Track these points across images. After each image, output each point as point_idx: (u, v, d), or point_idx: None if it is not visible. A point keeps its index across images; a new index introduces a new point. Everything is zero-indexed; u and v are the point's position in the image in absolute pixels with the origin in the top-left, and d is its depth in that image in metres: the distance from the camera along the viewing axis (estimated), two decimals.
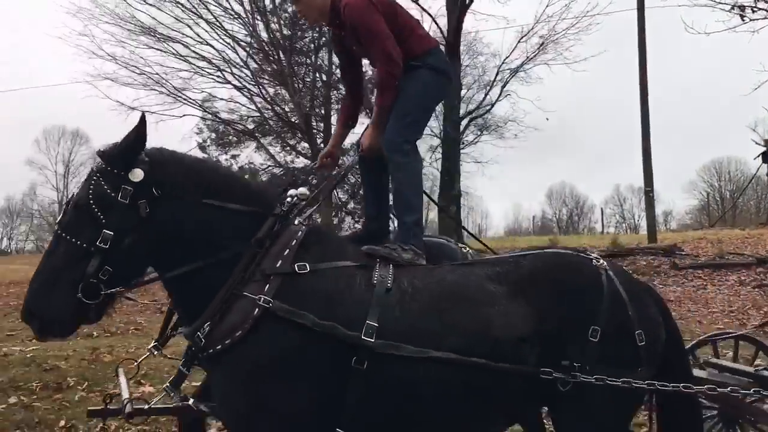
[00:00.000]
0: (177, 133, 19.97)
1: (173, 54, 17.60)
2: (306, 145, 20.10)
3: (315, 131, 19.85)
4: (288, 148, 21.14)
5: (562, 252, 2.61)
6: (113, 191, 2.23)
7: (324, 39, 19.12)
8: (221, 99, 19.61)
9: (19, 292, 16.59)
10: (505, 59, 18.69)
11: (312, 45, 19.65)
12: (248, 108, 19.78)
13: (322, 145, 20.18)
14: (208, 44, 17.61)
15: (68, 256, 2.21)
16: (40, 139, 66.80)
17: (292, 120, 19.32)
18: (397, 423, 2.29)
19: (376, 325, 2.17)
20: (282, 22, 18.68)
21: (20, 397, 5.23)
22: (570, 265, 2.47)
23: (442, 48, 4.16)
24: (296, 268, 2.27)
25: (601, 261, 2.46)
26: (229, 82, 18.54)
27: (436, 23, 16.86)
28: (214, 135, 21.43)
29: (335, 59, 20.78)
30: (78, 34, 16.40)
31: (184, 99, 18.30)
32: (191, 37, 17.37)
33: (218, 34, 17.70)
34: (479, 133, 21.73)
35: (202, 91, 18.76)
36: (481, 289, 2.34)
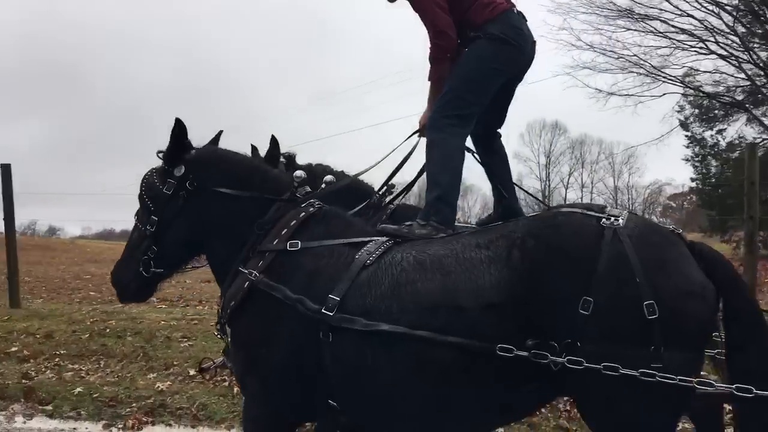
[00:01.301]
0: (657, 113, 19.51)
1: (651, 32, 17.34)
2: None
3: None
4: None
5: (566, 211, 2.16)
6: (161, 184, 2.66)
7: None
8: (704, 72, 18.39)
9: None
10: None
11: None
12: (736, 78, 18.20)
13: None
14: (688, 15, 16.75)
15: (136, 238, 2.73)
16: (524, 133, 73.53)
17: None
18: (372, 399, 2.24)
19: (338, 299, 2.21)
20: None
21: None
22: (566, 224, 2.08)
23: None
24: (288, 246, 2.42)
25: (618, 220, 2.01)
26: (713, 53, 17.35)
27: None
28: (697, 111, 20.20)
29: None
30: (558, 29, 17.51)
31: (664, 77, 17.83)
32: (670, 12, 16.81)
33: (700, 3, 16.64)
34: None
35: (683, 66, 18.07)
36: (460, 257, 2.17)
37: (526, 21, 3.19)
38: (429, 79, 3.14)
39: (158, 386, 5.35)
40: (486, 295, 2.03)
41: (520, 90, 3.32)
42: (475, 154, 3.33)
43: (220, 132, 2.95)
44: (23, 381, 5.67)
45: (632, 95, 18.02)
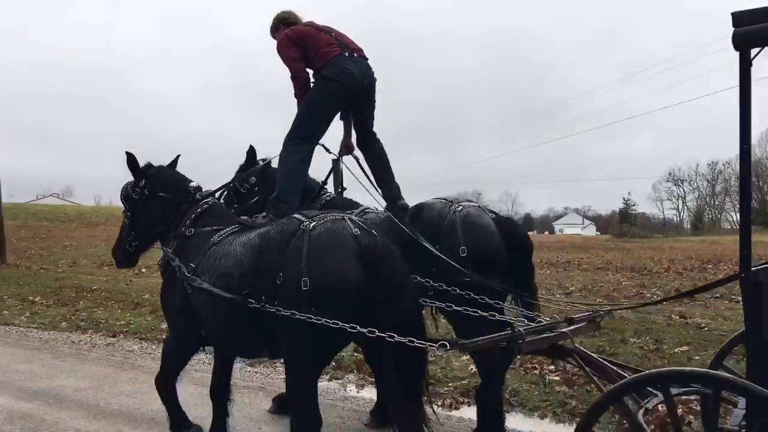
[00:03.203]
0: None
1: None
2: None
3: None
4: None
5: (292, 216, 3.25)
6: (132, 192, 4.17)
7: None
8: None
9: None
10: None
11: None
12: None
13: None
14: None
15: (123, 227, 4.28)
16: None
17: None
18: (212, 332, 3.51)
19: (193, 266, 3.50)
20: None
21: None
22: (282, 224, 3.21)
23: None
24: (185, 232, 3.78)
25: (310, 224, 3.06)
26: None
27: None
28: None
29: None
30: None
31: None
32: None
33: None
34: None
35: None
36: (248, 242, 3.32)
37: (364, 60, 4.37)
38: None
39: (472, 368, 5.49)
40: (243, 268, 3.22)
41: None
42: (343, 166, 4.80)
43: (178, 156, 4.37)
44: (355, 354, 6.33)
45: None
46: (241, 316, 3.16)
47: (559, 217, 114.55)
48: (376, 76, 4.43)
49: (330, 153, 4.68)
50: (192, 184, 4.12)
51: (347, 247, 2.97)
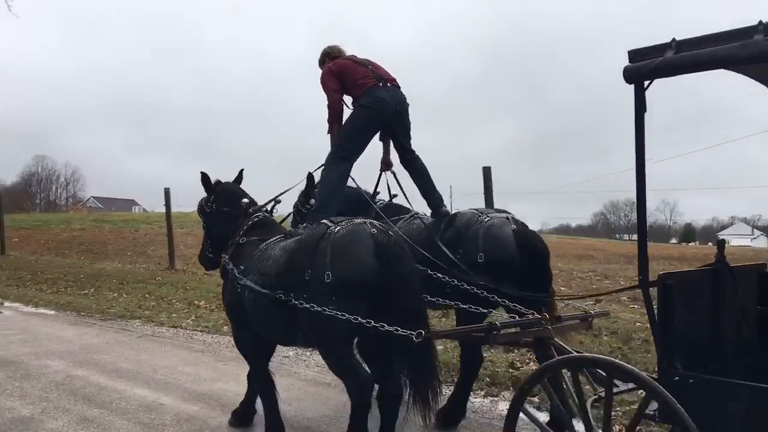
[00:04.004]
0: None
1: None
2: None
3: None
4: None
5: (321, 222, 3.81)
6: (206, 206, 4.84)
7: None
8: None
9: None
10: None
11: None
12: None
13: None
14: None
15: (203, 237, 5.05)
16: None
17: None
18: (255, 323, 4.08)
19: (242, 267, 4.14)
20: None
21: None
22: (312, 229, 3.83)
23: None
24: (239, 240, 4.42)
25: (336, 228, 3.63)
26: None
27: None
28: None
29: None
30: None
31: None
32: None
33: None
34: None
35: None
36: (287, 246, 3.89)
37: (397, 89, 5.02)
38: (328, 132, 5.14)
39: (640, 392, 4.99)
40: (279, 267, 3.80)
41: None
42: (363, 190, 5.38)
43: (242, 170, 4.93)
44: (510, 370, 6.03)
45: None
46: (276, 308, 3.74)
47: (724, 227, 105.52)
48: (408, 101, 5.10)
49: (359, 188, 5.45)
50: (244, 200, 4.71)
51: (364, 243, 3.54)
